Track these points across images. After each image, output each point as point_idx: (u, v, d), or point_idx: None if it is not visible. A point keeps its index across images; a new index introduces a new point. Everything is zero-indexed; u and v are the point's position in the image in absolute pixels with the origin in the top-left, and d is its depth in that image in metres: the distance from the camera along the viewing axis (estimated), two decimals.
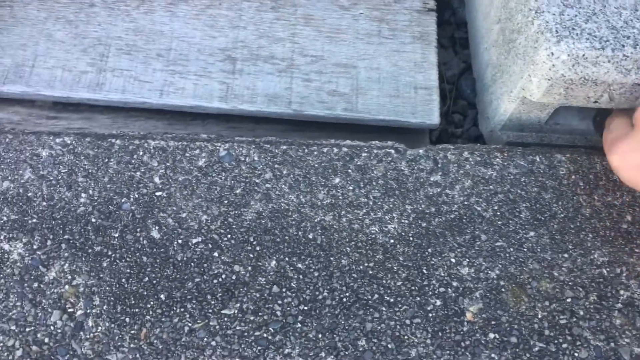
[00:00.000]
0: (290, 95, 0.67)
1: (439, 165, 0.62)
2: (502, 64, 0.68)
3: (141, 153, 0.60)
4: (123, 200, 0.57)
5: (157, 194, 0.58)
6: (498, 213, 0.60)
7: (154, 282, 0.54)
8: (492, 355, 0.53)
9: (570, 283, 0.56)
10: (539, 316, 0.55)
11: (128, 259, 0.55)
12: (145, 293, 0.54)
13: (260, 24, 0.71)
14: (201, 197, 0.58)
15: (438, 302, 0.55)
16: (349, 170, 0.61)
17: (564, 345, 0.54)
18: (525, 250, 0.58)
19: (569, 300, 0.56)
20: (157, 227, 0.56)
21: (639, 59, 0.57)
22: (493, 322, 0.54)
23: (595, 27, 0.58)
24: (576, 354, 0.53)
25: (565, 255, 0.58)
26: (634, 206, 0.61)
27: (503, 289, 0.56)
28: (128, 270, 0.54)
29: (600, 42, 0.57)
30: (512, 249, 0.58)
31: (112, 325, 0.52)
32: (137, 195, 0.58)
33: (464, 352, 0.53)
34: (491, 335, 0.54)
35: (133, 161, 0.59)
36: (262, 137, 0.63)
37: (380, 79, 0.69)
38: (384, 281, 0.56)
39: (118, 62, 0.68)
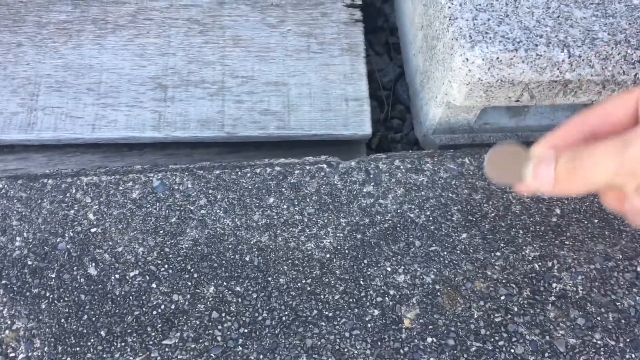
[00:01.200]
0: (223, 118, 0.68)
1: (371, 176, 0.63)
2: (427, 70, 0.69)
3: (74, 191, 0.60)
4: (58, 240, 0.58)
5: (92, 230, 0.59)
6: (431, 218, 0.61)
7: (94, 319, 0.55)
8: (431, 359, 0.54)
9: (503, 281, 0.58)
10: (475, 316, 0.56)
11: (66, 299, 0.55)
12: (85, 331, 0.54)
13: (189, 49, 0.72)
14: (137, 229, 0.59)
15: (376, 312, 0.56)
16: (283, 189, 0.62)
17: (500, 343, 0.55)
18: (458, 252, 0.59)
19: (503, 297, 0.57)
20: (93, 264, 0.57)
21: (553, 57, 0.59)
22: (430, 327, 0.56)
23: (508, 29, 0.60)
24: (513, 350, 0.55)
25: (498, 253, 0.59)
26: (563, 199, 0.62)
27: (439, 293, 0.57)
28: (67, 310, 0.55)
29: (513, 44, 0.58)
30: (445, 253, 0.59)
31: None
32: (72, 234, 0.58)
33: (403, 358, 0.54)
34: (429, 340, 0.55)
35: (66, 200, 0.60)
36: (198, 162, 0.64)
37: (311, 94, 0.70)
38: (322, 296, 0.57)
39: (48, 100, 0.68)
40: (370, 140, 0.79)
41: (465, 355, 0.55)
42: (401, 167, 0.63)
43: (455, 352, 0.55)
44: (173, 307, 0.56)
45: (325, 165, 0.63)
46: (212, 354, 0.54)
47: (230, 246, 0.59)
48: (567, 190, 0.33)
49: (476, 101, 0.62)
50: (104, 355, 0.53)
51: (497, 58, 0.58)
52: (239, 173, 0.62)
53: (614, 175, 0.31)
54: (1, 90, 0.68)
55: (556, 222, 0.61)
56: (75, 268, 0.57)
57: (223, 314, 0.55)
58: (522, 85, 0.60)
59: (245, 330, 0.55)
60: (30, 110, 0.67)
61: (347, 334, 0.55)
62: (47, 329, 0.54)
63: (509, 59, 0.58)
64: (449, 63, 0.61)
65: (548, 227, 0.61)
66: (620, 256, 0.59)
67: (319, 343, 0.55)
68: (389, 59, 0.85)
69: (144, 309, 0.55)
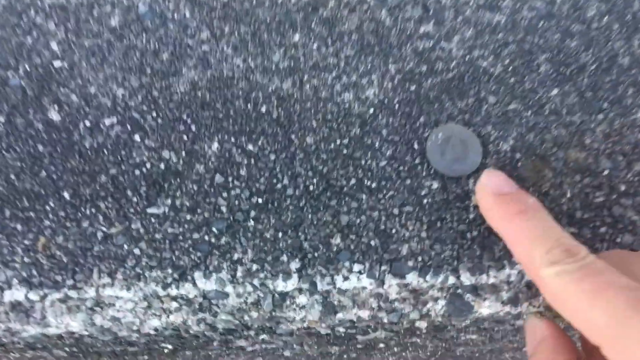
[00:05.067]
0: None
1: (430, 12, 0.47)
2: None
3: (33, 13, 0.45)
4: (9, 75, 0.43)
5: (56, 64, 0.44)
6: (510, 69, 0.45)
7: (54, 177, 0.40)
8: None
9: (607, 151, 0.43)
10: (568, 195, 0.42)
11: (18, 149, 0.41)
12: (42, 192, 0.40)
13: None
14: (115, 66, 0.44)
15: (435, 185, 0.42)
16: (313, 25, 0.46)
17: (602, 230, 0.41)
18: (546, 113, 0.44)
19: (606, 172, 0.42)
20: (56, 107, 0.42)
21: None
22: None
23: None
24: (619, 240, 0.40)
25: (600, 116, 0.44)
26: None
27: (519, 164, 0.42)
28: (19, 164, 0.41)
29: None
30: (529, 113, 0.44)
31: (0, 235, 0.39)
32: (28, 68, 0.43)
33: (471, 244, 0.40)
34: None
35: (22, 24, 0.44)
36: None
37: None
38: (363, 162, 0.42)
39: None
40: None
41: None
42: (470, 2, 0.47)
43: None
44: (162, 166, 0.41)
45: None
46: (213, 229, 0.40)
47: (241, 93, 0.44)
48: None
49: None
50: (67, 224, 0.39)
51: None
52: (254, 2, 0.46)
53: None
54: None
55: None
56: (31, 111, 0.42)
57: (230, 179, 0.41)
58: None
59: (260, 201, 0.41)
60: None
61: (395, 211, 0.41)
62: None
63: None
64: None
65: None
66: None
67: (358, 221, 0.40)
68: None
69: (122, 167, 0.41)
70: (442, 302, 0.40)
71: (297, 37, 0.46)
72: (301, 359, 0.55)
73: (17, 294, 0.38)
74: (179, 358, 0.50)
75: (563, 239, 0.33)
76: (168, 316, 0.38)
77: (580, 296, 0.29)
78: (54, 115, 0.42)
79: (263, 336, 0.43)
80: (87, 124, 0.42)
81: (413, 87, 0.44)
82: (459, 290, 0.40)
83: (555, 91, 0.45)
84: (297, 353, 0.52)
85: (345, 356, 0.55)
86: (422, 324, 0.41)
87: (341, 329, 0.42)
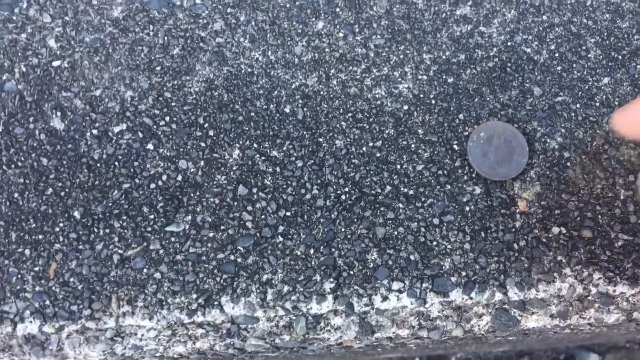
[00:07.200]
0: None
1: None
2: None
3: (25, 5, 0.40)
4: (5, 78, 0.39)
5: (55, 64, 0.39)
6: (556, 55, 0.41)
7: (62, 193, 0.37)
8: (559, 257, 0.37)
9: None
10: (622, 197, 0.38)
11: (20, 164, 0.37)
12: (50, 211, 0.37)
13: None
14: (121, 64, 0.39)
15: (477, 190, 0.38)
16: (337, 9, 0.41)
17: None
18: (597, 105, 0.40)
19: None
20: (59, 114, 0.38)
21: None
22: (556, 212, 0.38)
23: None
24: None
25: None
26: None
27: (568, 163, 0.39)
28: (22, 180, 0.37)
29: None
30: (578, 105, 0.40)
31: (7, 262, 0.36)
32: (24, 69, 0.39)
33: (517, 256, 0.37)
34: (555, 230, 0.38)
35: (15, 19, 0.40)
36: None
37: None
38: (398, 166, 0.38)
39: None
40: None
41: (609, 253, 0.37)
42: None
43: (593, 247, 0.37)
44: (180, 178, 0.38)
45: None
46: (239, 247, 0.36)
47: (261, 91, 0.39)
48: None
49: None
50: (80, 247, 0.36)
51: None
52: None
53: None
54: None
55: None
56: (31, 119, 0.38)
57: (254, 190, 0.38)
58: None
59: (288, 214, 0.37)
60: None
61: (435, 221, 0.38)
62: None
63: None
64: None
65: None
66: None
67: (395, 233, 0.37)
68: None
69: (136, 180, 0.37)
70: (486, 318, 0.37)
71: (320, 24, 0.41)
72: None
73: (30, 327, 0.35)
74: None
75: None
76: (194, 343, 0.36)
77: None
78: (57, 124, 0.38)
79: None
80: (95, 132, 0.38)
81: (450, 80, 0.40)
82: (506, 306, 0.37)
83: (606, 80, 0.41)
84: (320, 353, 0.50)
85: (369, 351, 0.53)
86: (461, 335, 0.39)
87: (375, 343, 0.39)
